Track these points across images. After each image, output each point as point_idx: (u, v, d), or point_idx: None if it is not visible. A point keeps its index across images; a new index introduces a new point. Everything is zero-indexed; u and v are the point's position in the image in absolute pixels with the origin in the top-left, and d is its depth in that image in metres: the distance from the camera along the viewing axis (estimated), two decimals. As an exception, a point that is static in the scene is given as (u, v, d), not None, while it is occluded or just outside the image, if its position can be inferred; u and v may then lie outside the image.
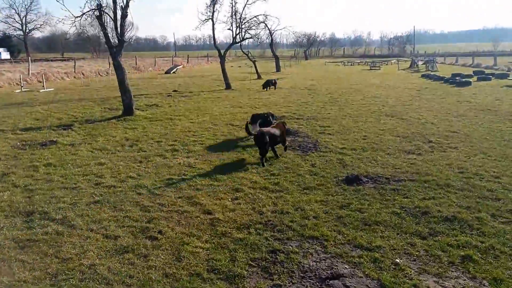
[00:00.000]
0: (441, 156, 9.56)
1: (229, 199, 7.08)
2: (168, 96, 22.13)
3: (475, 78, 29.02)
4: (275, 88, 24.75)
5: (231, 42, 29.62)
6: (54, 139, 11.55)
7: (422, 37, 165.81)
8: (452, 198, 7.01)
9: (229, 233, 5.84)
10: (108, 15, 14.61)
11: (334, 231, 5.88)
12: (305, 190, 7.48)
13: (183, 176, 8.22)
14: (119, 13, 14.42)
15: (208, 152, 10.12)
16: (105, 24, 14.61)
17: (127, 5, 14.29)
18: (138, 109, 16.89)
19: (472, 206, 6.65)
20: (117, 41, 15.06)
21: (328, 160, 9.36)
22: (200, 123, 14.07)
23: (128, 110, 15.24)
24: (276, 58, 47.41)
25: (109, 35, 14.91)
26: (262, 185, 7.70)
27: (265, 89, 24.32)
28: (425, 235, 5.75)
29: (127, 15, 14.60)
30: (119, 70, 15.00)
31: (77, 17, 14.68)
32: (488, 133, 11.86)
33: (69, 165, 9.17)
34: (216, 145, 10.87)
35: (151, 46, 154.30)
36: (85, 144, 11.09)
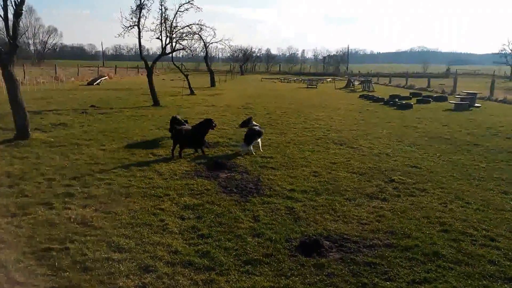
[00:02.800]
0: (411, 203, 7.68)
1: (132, 289, 4.66)
2: (83, 112, 18.81)
3: (414, 100, 28.45)
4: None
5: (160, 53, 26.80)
6: None
7: (354, 57, 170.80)
8: (450, 279, 5.04)
9: None
10: None
11: None
12: (247, 266, 5.20)
13: (68, 244, 5.60)
14: (11, 10, 11.52)
15: (116, 198, 7.49)
16: None
17: (22, 2, 11.42)
18: (39, 129, 13.92)
19: (482, 295, 4.69)
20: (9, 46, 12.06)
21: (275, 210, 7.16)
22: (114, 151, 11.32)
23: (21, 132, 12.16)
24: (211, 73, 44.99)
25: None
26: (185, 258, 5.32)
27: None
28: None
29: (21, 14, 11.76)
30: (10, 82, 11.94)
31: (-45, 13, 11.57)
32: (452, 168, 10.27)
33: None
34: (129, 186, 8.22)
35: (78, 54, 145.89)
36: None
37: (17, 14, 11.71)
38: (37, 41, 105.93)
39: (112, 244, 5.62)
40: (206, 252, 5.50)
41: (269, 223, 6.58)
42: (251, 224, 6.52)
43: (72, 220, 6.43)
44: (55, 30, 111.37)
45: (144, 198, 7.55)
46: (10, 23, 11.85)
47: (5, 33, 11.93)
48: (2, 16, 11.74)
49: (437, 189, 8.58)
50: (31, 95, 25.79)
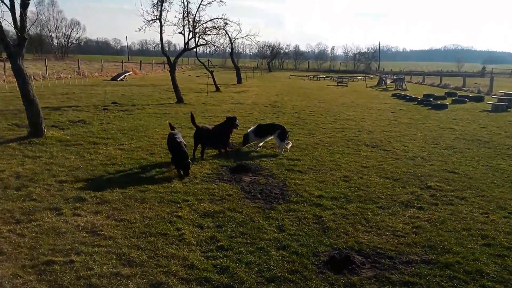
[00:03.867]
0: (450, 213, 7.00)
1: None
2: (104, 109, 18.31)
3: (449, 100, 27.46)
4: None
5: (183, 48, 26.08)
6: None
7: (385, 54, 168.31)
8: (498, 304, 4.40)
9: None
10: (4, 3, 11.14)
11: None
12: (270, 285, 4.65)
13: (74, 256, 5.10)
14: (18, 1, 11.05)
15: (130, 204, 6.99)
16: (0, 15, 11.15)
17: (28, -9, 10.97)
18: (56, 126, 13.56)
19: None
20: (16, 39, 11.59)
21: (302, 219, 6.59)
22: (132, 150, 10.83)
23: (35, 130, 11.66)
24: (237, 69, 44.48)
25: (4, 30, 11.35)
26: (201, 274, 4.79)
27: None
28: None
29: (28, 4, 11.26)
30: (19, 77, 11.44)
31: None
32: (493, 174, 9.50)
33: None
34: (145, 190, 7.69)
35: (103, 49, 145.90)
36: (-47, 184, 7.78)
37: (24, 4, 11.19)
38: (60, 34, 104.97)
39: (122, 257, 5.12)
40: (225, 267, 4.97)
41: (295, 233, 6.02)
42: (276, 234, 5.96)
43: (80, 228, 5.95)
44: (78, 23, 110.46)
45: (161, 204, 7.05)
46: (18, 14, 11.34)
47: (12, 24, 11.30)
48: (9, 6, 11.14)
49: (477, 197, 7.89)
50: (52, 90, 25.93)
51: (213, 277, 4.74)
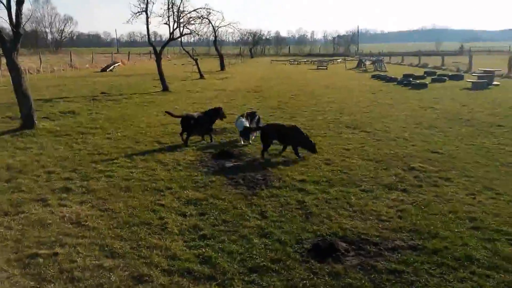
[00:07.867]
0: (435, 195, 6.92)
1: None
2: (93, 99, 18.61)
3: (429, 79, 27.44)
4: None
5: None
6: None
7: (364, 37, 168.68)
8: (489, 292, 4.34)
9: None
10: (1, 1, 11.55)
11: None
12: (252, 275, 4.59)
13: (58, 248, 5.05)
14: None
15: (114, 193, 6.98)
16: None
17: (23, -11, 11.27)
18: (47, 118, 13.80)
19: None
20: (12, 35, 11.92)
21: (285, 205, 6.55)
22: (119, 139, 10.94)
23: (27, 122, 12.00)
24: (221, 56, 44.69)
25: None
26: (183, 265, 4.73)
27: None
28: None
29: (23, 1, 11.56)
30: (14, 71, 11.76)
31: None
32: (476, 153, 9.46)
33: None
34: (130, 179, 7.69)
35: (95, 42, 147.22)
36: None
37: (19, 1, 11.54)
38: (54, 29, 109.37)
39: (105, 248, 5.07)
40: (208, 257, 4.90)
41: (278, 220, 5.97)
42: (258, 222, 5.92)
43: (65, 219, 5.94)
44: (71, 18, 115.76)
45: (145, 192, 7.03)
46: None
47: (8, 21, 11.70)
48: (5, 4, 11.51)
49: (462, 177, 7.78)
50: (45, 83, 26.31)
51: (195, 267, 4.68)
